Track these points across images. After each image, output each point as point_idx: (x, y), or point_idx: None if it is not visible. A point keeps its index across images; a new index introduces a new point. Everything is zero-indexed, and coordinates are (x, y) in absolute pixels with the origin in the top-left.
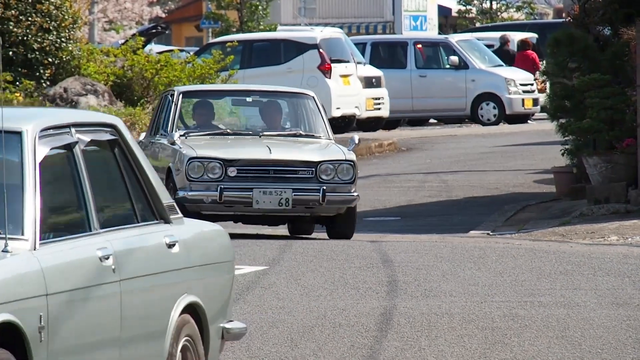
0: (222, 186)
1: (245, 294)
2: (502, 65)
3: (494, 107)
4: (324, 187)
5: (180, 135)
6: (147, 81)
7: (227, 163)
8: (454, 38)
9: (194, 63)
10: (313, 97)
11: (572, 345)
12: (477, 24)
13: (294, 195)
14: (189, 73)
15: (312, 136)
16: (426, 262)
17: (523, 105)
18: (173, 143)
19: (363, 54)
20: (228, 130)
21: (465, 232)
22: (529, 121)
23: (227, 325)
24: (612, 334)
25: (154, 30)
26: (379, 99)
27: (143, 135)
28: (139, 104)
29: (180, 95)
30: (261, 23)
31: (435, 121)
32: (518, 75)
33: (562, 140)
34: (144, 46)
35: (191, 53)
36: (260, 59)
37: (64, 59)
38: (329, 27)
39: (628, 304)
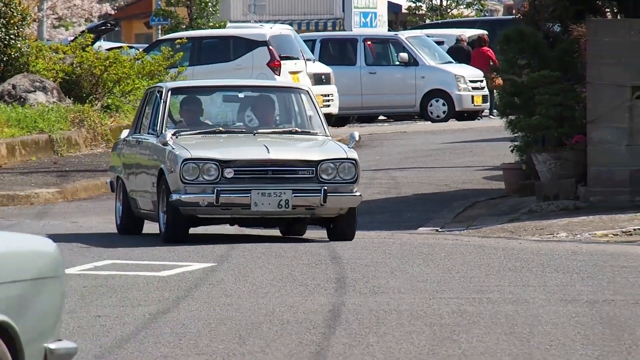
0: (219, 188)
1: (193, 291)
2: (451, 62)
3: (444, 104)
4: (325, 187)
5: (172, 135)
6: (96, 78)
7: (223, 164)
8: (403, 35)
9: (143, 60)
10: (308, 91)
11: (520, 342)
12: (427, 21)
13: (294, 196)
14: (138, 70)
15: (308, 133)
16: (375, 259)
17: (472, 102)
18: (165, 144)
19: (312, 50)
20: (220, 129)
21: (414, 229)
22: (478, 118)
23: (52, 346)
24: (561, 331)
25: (103, 27)
26: (328, 95)
27: (126, 132)
28: (87, 100)
29: (169, 92)
30: (211, 20)
31: (385, 118)
32: (467, 71)
33: (512, 137)
34: (93, 43)
35: (140, 50)
36: (210, 55)
37: (13, 56)
38: (278, 23)
39: (577, 300)
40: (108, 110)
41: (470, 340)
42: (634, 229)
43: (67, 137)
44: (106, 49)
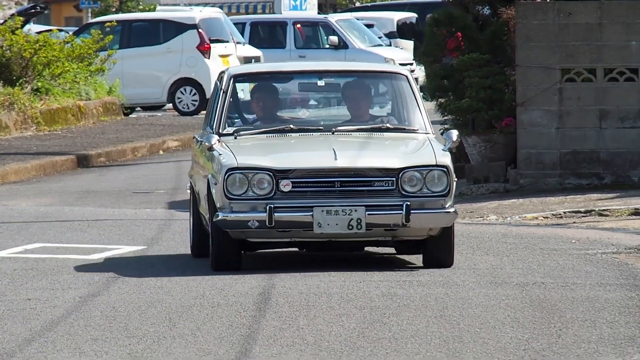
0: (273, 205)
1: (123, 274)
2: (381, 45)
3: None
4: (408, 203)
5: (229, 134)
6: (25, 61)
7: (278, 174)
8: (333, 18)
9: (72, 43)
10: (407, 76)
11: (450, 325)
12: (357, 4)
13: (368, 214)
14: (67, 53)
15: (404, 130)
16: None
17: None
18: (210, 148)
19: (242, 33)
20: (292, 126)
21: None
22: None
23: None
24: (491, 313)
25: (32, 10)
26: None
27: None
28: (17, 83)
29: (232, 80)
30: (140, 3)
31: None
32: (397, 54)
33: (442, 120)
34: (22, 26)
35: (70, 33)
36: (140, 39)
37: None
38: (208, 7)
39: (507, 283)
40: (38, 93)
41: (400, 323)
42: (564, 212)
43: None
44: (36, 32)
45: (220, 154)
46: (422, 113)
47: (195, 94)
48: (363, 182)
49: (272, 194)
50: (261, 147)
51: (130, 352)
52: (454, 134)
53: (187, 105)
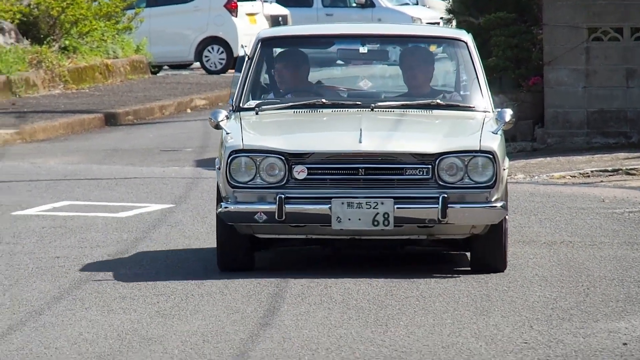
0: (284, 195)
1: (151, 231)
2: (408, 4)
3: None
4: (445, 195)
5: (250, 109)
6: (53, 19)
7: (292, 158)
8: None
9: (100, 1)
10: (466, 43)
11: (478, 283)
12: None
13: (397, 207)
14: (95, 11)
15: (458, 107)
16: None
17: None
18: (217, 126)
19: None
20: (324, 101)
21: None
22: None
23: None
24: (519, 272)
25: None
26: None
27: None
28: (45, 42)
29: (259, 44)
30: None
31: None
32: (424, 13)
33: None
34: None
35: None
36: None
37: None
38: None
39: (534, 242)
40: (66, 52)
41: (428, 282)
42: (591, 171)
43: (25, 78)
44: None
45: (227, 133)
46: (482, 88)
47: (222, 52)
48: (392, 170)
49: (284, 182)
50: (279, 125)
51: (158, 310)
52: (508, 113)
53: (215, 63)
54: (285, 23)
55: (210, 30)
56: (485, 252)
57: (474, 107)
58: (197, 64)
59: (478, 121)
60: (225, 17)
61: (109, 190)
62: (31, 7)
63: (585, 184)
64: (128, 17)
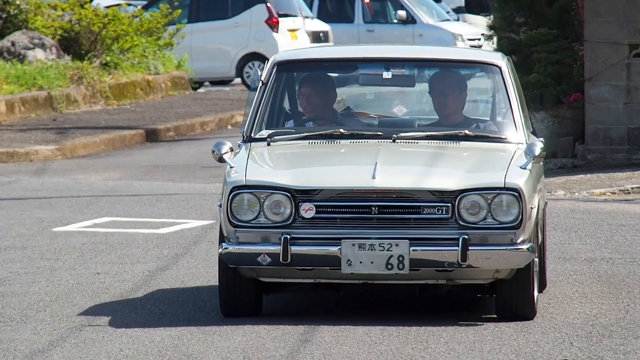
0: (290, 235)
1: (192, 248)
2: (449, 20)
3: None
4: (466, 236)
5: (262, 139)
6: (94, 35)
7: (299, 195)
8: None
9: (141, 17)
10: (500, 68)
11: None
12: None
13: (413, 249)
14: (136, 27)
15: (488, 138)
16: None
17: None
18: (221, 159)
19: (311, 8)
20: (342, 131)
21: None
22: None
23: None
24: (559, 289)
25: None
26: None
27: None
28: (86, 57)
29: (275, 68)
30: None
31: None
32: (465, 29)
33: None
34: (91, 0)
35: (139, 7)
36: (208, 13)
37: (12, 13)
38: None
39: (575, 258)
40: (107, 68)
41: (466, 297)
42: (632, 187)
43: (66, 94)
44: (104, 6)
45: (231, 167)
46: (515, 117)
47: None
48: (408, 208)
49: (291, 221)
50: (288, 158)
51: (199, 327)
52: (538, 147)
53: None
54: (326, 39)
55: (251, 46)
56: (511, 298)
57: (505, 139)
58: (238, 80)
59: (508, 155)
60: (267, 33)
61: (149, 206)
62: (72, 23)
63: (625, 200)
64: (169, 33)
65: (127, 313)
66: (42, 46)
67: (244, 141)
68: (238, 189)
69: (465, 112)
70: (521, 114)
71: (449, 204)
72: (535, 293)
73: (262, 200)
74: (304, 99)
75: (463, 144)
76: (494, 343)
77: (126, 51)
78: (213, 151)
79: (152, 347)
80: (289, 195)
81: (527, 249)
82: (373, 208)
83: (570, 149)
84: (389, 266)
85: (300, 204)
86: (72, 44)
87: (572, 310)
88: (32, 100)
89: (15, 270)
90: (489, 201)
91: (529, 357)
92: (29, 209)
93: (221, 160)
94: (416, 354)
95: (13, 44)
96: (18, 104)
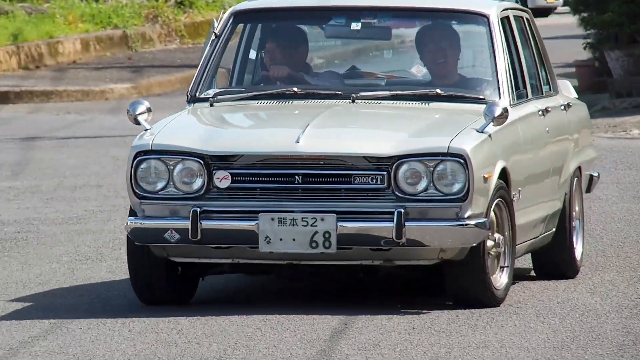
0: (201, 208)
1: None
2: None
3: (517, 1)
4: (404, 209)
5: (204, 99)
6: None
7: (214, 162)
8: None
9: None
10: (488, 18)
11: (593, 239)
12: None
13: (341, 225)
14: None
15: (463, 97)
16: None
17: None
18: (136, 120)
19: None
20: (295, 90)
21: None
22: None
23: None
24: (634, 228)
25: None
26: None
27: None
28: None
29: (231, 20)
30: None
31: None
32: None
33: (584, 34)
34: None
35: None
36: None
37: None
38: None
39: None
40: (182, 6)
41: None
42: None
43: (141, 32)
44: None
45: (146, 130)
46: (500, 75)
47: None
48: (337, 177)
49: (203, 191)
50: (216, 120)
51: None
52: (497, 108)
53: None
54: None
55: None
56: (465, 281)
57: (483, 99)
58: None
59: (474, 117)
60: None
61: None
62: None
63: None
64: None
65: None
66: None
67: (188, 101)
68: (144, 154)
69: (463, 69)
70: (508, 72)
71: (385, 172)
72: (500, 277)
73: (171, 168)
74: (267, 55)
75: (433, 104)
76: (569, 282)
77: None
78: (128, 111)
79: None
80: (202, 162)
81: (476, 224)
82: (297, 177)
83: None
84: (314, 244)
85: (214, 171)
86: None
87: None
88: (107, 38)
89: (90, 208)
90: (431, 169)
91: (603, 296)
92: (104, 148)
93: (137, 122)
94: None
95: None
96: (93, 42)
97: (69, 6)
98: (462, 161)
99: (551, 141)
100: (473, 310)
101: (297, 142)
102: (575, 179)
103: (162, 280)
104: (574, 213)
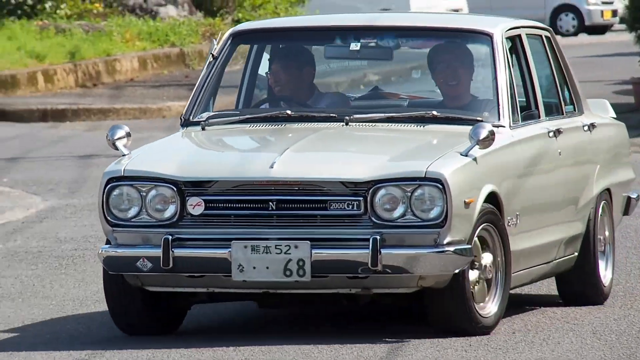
0: (173, 236)
1: None
2: None
3: (573, 19)
4: (380, 236)
5: (197, 123)
6: None
7: (188, 189)
8: None
9: None
10: (491, 38)
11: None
12: None
13: (315, 252)
14: None
15: (460, 120)
16: None
17: (602, 16)
18: (115, 145)
19: None
20: (289, 112)
21: None
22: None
23: None
24: None
25: None
26: (458, 10)
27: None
28: (218, 14)
29: (230, 41)
30: None
31: None
32: None
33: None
34: None
35: None
36: None
37: None
38: None
39: None
40: (239, 24)
41: None
42: None
43: (199, 50)
44: None
45: (123, 155)
46: (501, 96)
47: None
48: (312, 203)
49: (176, 219)
50: (197, 145)
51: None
52: (483, 130)
53: None
54: None
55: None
56: (439, 311)
57: (481, 120)
58: None
59: (463, 139)
60: None
61: None
62: None
63: None
64: None
65: None
66: (174, 2)
67: (181, 125)
68: (116, 180)
69: (473, 90)
70: (511, 91)
71: (361, 198)
72: (489, 305)
73: (144, 194)
74: (271, 76)
75: (430, 127)
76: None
77: (258, 7)
78: (107, 136)
79: None
80: (175, 188)
81: (455, 251)
82: (271, 203)
83: None
84: (288, 272)
85: (187, 198)
86: (204, 1)
87: None
88: (164, 56)
89: None
90: (409, 194)
91: None
92: None
93: (115, 147)
94: None
95: (145, 0)
96: (150, 60)
97: (126, 24)
98: (440, 186)
99: (565, 163)
100: (529, 327)
101: (271, 167)
102: (603, 201)
103: (139, 309)
104: (601, 237)
